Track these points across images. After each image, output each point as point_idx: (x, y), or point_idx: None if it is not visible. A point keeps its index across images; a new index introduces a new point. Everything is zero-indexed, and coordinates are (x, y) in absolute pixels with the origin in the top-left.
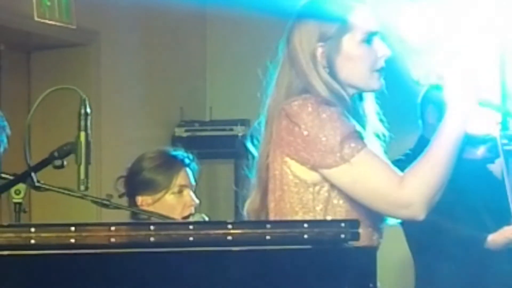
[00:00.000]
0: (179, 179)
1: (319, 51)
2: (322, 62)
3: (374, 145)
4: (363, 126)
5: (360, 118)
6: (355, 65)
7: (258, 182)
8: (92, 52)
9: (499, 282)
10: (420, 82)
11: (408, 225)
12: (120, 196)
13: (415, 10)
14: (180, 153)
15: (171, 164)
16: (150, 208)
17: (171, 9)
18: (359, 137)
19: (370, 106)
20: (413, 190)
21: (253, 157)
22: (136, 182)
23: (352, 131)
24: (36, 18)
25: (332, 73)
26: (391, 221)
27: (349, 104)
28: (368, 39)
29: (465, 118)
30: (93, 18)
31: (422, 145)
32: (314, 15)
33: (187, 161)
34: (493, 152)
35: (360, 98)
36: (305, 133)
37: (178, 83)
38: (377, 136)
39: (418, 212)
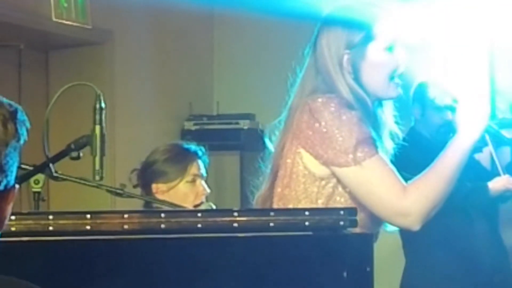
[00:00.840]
0: (193, 169)
1: (345, 58)
2: (348, 69)
3: (386, 148)
4: (380, 133)
5: (377, 125)
6: (378, 72)
7: (270, 170)
8: (107, 51)
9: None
10: (436, 101)
11: None
12: (135, 186)
13: (407, 12)
14: (193, 146)
15: (185, 155)
16: (165, 196)
17: (181, 9)
18: (373, 143)
19: (388, 113)
20: (413, 202)
21: (269, 152)
22: (150, 172)
23: (367, 136)
24: (54, 19)
25: (357, 80)
26: (390, 228)
27: (370, 109)
28: (390, 47)
29: (473, 142)
30: (107, 19)
31: (412, 136)
32: (341, 22)
33: (200, 153)
34: (480, 141)
35: (380, 105)
36: (324, 130)
37: (187, 80)
38: (391, 136)
39: (415, 223)
